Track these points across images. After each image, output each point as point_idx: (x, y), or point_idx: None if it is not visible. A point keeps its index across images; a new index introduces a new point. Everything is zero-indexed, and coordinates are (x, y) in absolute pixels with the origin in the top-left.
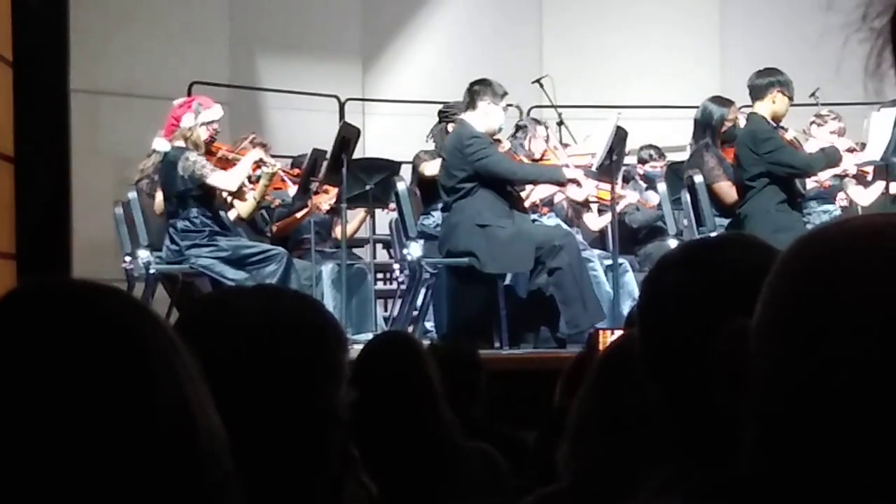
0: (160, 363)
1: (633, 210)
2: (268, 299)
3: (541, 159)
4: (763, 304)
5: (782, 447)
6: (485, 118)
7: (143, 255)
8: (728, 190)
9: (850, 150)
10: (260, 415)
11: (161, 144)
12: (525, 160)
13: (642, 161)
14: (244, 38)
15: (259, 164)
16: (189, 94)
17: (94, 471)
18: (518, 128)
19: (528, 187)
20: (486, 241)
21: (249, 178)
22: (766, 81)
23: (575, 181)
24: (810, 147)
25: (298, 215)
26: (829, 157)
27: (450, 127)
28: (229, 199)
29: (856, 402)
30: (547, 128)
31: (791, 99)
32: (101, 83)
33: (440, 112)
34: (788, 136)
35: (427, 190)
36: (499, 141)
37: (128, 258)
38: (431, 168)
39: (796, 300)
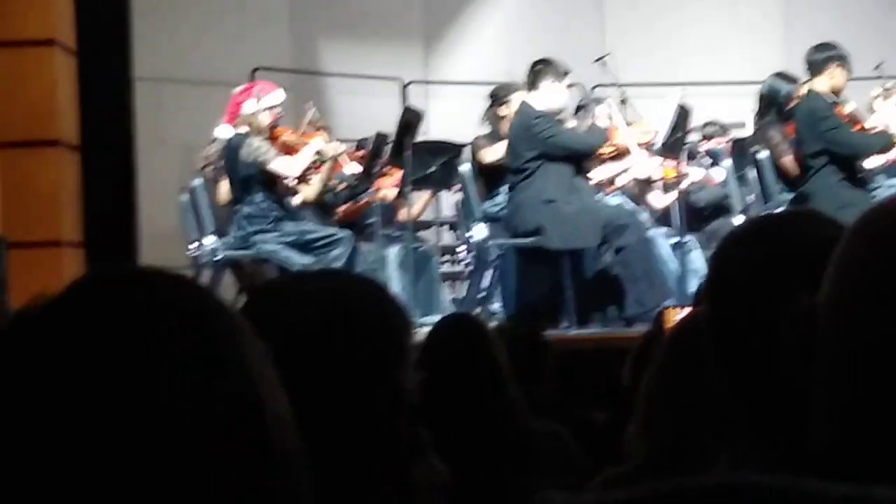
0: (227, 349)
1: (697, 188)
2: (332, 283)
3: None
4: (832, 276)
5: (854, 419)
6: (547, 97)
7: (210, 241)
8: (793, 165)
9: None
10: (327, 400)
11: (224, 131)
12: None
13: (706, 137)
14: (305, 22)
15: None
16: (252, 80)
17: (163, 458)
18: (580, 107)
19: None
20: (553, 217)
21: (313, 161)
22: (823, 56)
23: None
24: (874, 120)
25: (362, 202)
26: (887, 140)
27: (501, 110)
28: (294, 183)
29: None
30: (609, 106)
31: (849, 73)
32: (164, 71)
33: (491, 94)
34: (848, 109)
35: (489, 176)
36: (561, 122)
37: (194, 245)
38: (492, 154)
39: (865, 271)
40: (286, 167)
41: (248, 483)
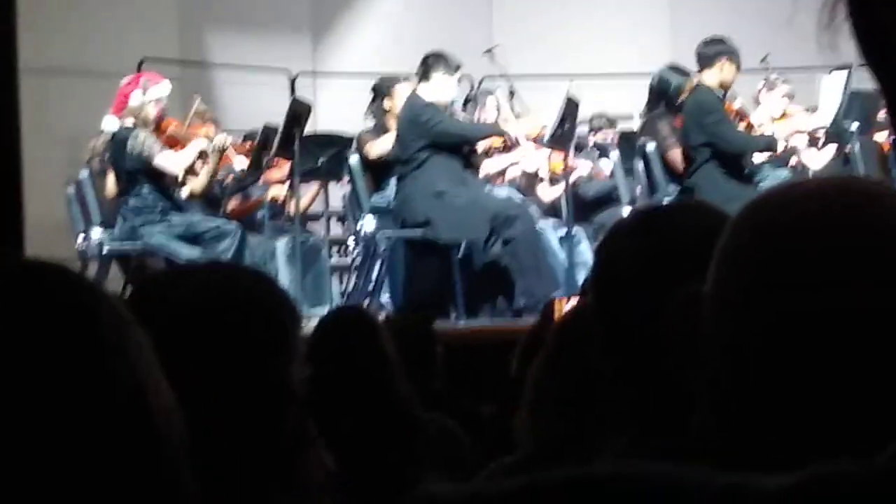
0: (111, 341)
1: (585, 181)
2: (219, 275)
3: None
4: (715, 267)
5: (734, 410)
6: (437, 90)
7: (96, 234)
8: (680, 159)
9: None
10: (214, 393)
11: (110, 123)
12: None
13: (594, 130)
14: (193, 13)
15: (208, 140)
16: (139, 71)
17: (45, 451)
18: (468, 99)
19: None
20: (441, 209)
21: (200, 153)
22: (713, 50)
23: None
24: (760, 113)
25: (252, 200)
26: (768, 143)
27: (385, 103)
28: (181, 175)
29: (806, 360)
30: (497, 99)
31: (738, 68)
32: (50, 62)
33: (374, 88)
34: (736, 104)
35: (376, 170)
36: (451, 114)
37: (81, 237)
38: (377, 148)
39: (746, 262)
40: (170, 163)
41: (132, 474)
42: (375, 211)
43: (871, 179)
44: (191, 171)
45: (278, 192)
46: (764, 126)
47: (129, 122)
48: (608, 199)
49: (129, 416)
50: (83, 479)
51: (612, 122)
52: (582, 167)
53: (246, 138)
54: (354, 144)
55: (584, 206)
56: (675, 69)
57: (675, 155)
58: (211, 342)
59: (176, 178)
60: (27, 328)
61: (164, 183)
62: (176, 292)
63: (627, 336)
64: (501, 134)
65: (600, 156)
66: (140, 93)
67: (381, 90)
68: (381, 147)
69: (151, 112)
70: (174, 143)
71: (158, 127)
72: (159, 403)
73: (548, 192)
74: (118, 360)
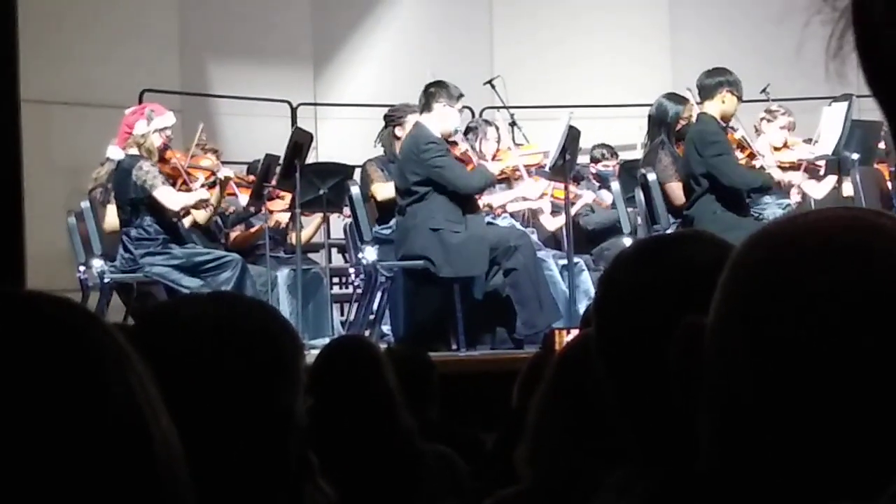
0: (112, 373)
1: (587, 211)
2: (221, 306)
3: (493, 160)
4: (718, 299)
5: (736, 442)
6: (440, 120)
7: (97, 264)
8: (677, 191)
9: (807, 141)
10: (216, 423)
11: (115, 153)
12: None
13: (595, 160)
14: (194, 44)
15: (213, 171)
16: (140, 102)
17: (44, 482)
18: (469, 129)
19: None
20: (441, 246)
21: (203, 185)
22: (715, 81)
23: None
24: (761, 143)
25: (254, 229)
26: (765, 180)
27: (397, 131)
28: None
29: (809, 395)
30: (498, 129)
31: (740, 98)
32: (52, 93)
33: (386, 116)
34: (737, 135)
35: (381, 208)
36: (455, 143)
37: (82, 268)
38: (384, 192)
39: (750, 295)
40: (168, 200)
41: None
42: (377, 241)
43: (874, 210)
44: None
45: (281, 217)
46: (765, 157)
47: (134, 151)
48: (610, 231)
49: (129, 448)
50: None
51: (613, 153)
52: (585, 197)
53: (249, 171)
54: (359, 172)
55: (585, 236)
56: (673, 97)
57: (674, 188)
58: (211, 373)
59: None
60: (26, 360)
61: (166, 214)
62: (178, 325)
63: (629, 366)
64: (494, 184)
65: (601, 186)
66: (144, 123)
67: (393, 118)
68: (387, 190)
69: (156, 142)
70: (176, 175)
71: (162, 157)
72: (159, 435)
73: (550, 222)
74: (118, 391)
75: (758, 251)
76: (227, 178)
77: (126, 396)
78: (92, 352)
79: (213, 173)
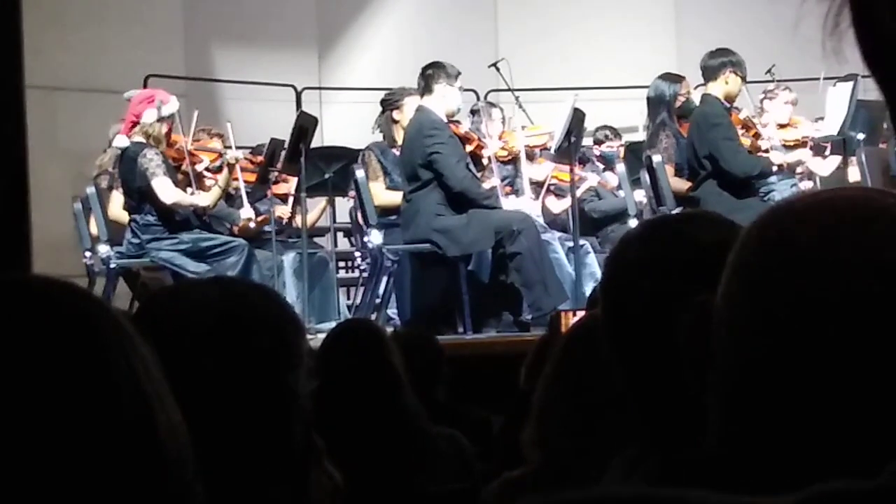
0: (117, 357)
1: (592, 197)
2: (223, 290)
3: (500, 139)
4: (727, 278)
5: (745, 421)
6: (442, 101)
7: (103, 249)
8: (672, 175)
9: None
10: (220, 407)
11: (120, 141)
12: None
13: (598, 142)
14: (199, 29)
15: (220, 154)
16: (145, 87)
17: (49, 466)
18: (473, 112)
19: (489, 175)
20: (445, 228)
21: (208, 168)
22: (718, 62)
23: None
24: (766, 121)
25: (260, 218)
26: (764, 166)
27: (395, 114)
28: (190, 190)
29: (818, 372)
30: (503, 110)
31: (744, 79)
32: (57, 79)
33: (383, 101)
34: (742, 115)
35: (381, 211)
36: (458, 122)
37: (88, 253)
38: (381, 197)
39: (760, 274)
40: (163, 191)
41: (137, 489)
42: (383, 225)
43: (882, 190)
44: (202, 186)
45: (283, 211)
46: (771, 136)
47: (140, 139)
48: (615, 217)
49: (134, 431)
50: (87, 495)
51: (616, 134)
52: (590, 179)
53: (254, 153)
54: (361, 157)
55: (591, 222)
56: (668, 76)
57: (667, 171)
58: (217, 357)
59: (184, 191)
60: (33, 344)
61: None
62: (182, 309)
63: (636, 346)
64: (480, 196)
65: (605, 168)
66: (154, 112)
67: (389, 102)
68: (385, 198)
69: (162, 130)
70: (181, 156)
71: (169, 143)
72: (164, 418)
73: (555, 205)
74: (123, 376)
75: (768, 230)
76: (236, 160)
77: (131, 381)
78: (95, 336)
79: (221, 155)
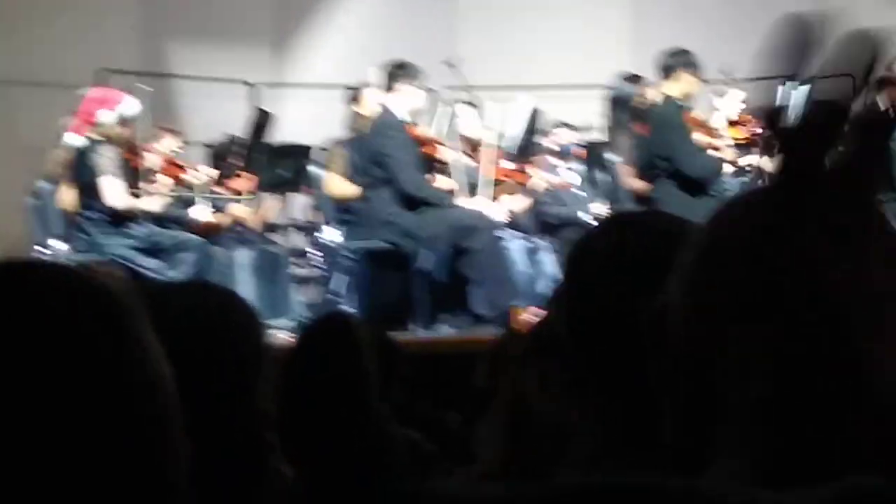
0: (130, 348)
1: (549, 200)
2: (184, 293)
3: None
4: (674, 278)
5: (691, 421)
6: (405, 100)
7: (56, 245)
8: (630, 176)
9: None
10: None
11: (73, 139)
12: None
13: (546, 134)
14: (152, 23)
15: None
16: (97, 82)
17: (72, 452)
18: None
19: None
20: (401, 223)
21: (161, 166)
22: (674, 62)
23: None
24: (717, 119)
25: (216, 220)
26: (715, 167)
27: (356, 107)
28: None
29: (759, 372)
30: (476, 106)
31: (700, 78)
32: (7, 73)
33: (351, 97)
34: (696, 114)
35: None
36: (414, 123)
37: (41, 249)
38: (342, 191)
39: (698, 277)
40: (109, 190)
41: (147, 478)
42: (342, 222)
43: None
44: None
45: (241, 211)
46: (724, 136)
47: (96, 137)
48: (573, 223)
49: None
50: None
51: (572, 128)
52: (549, 179)
53: (207, 149)
54: (319, 154)
55: (550, 227)
56: (628, 77)
57: (626, 171)
58: (177, 358)
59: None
60: (56, 329)
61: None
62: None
63: (595, 343)
64: (430, 198)
65: (562, 160)
66: (111, 114)
67: (350, 97)
68: (345, 190)
69: (123, 132)
70: (134, 159)
71: (124, 144)
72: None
73: (510, 203)
74: (137, 367)
75: (714, 231)
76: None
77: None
78: (111, 327)
79: (173, 162)
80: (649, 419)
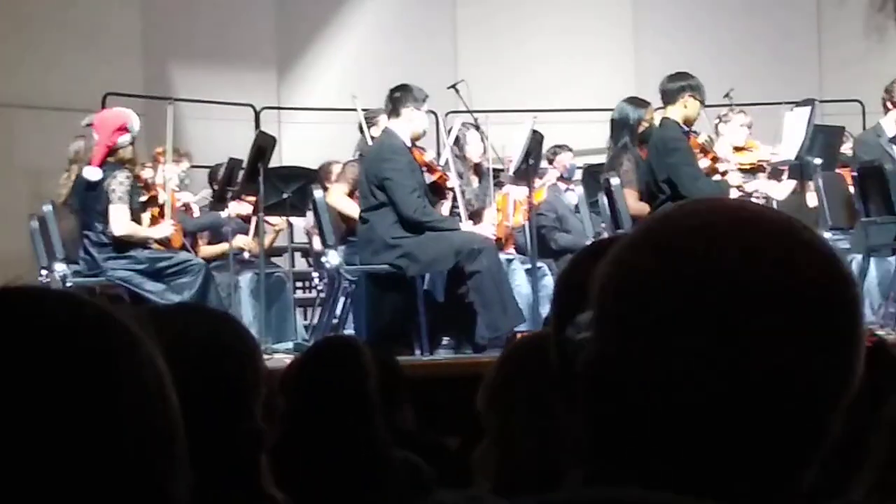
0: (129, 375)
1: (554, 223)
2: (180, 317)
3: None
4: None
5: (610, 438)
6: (409, 124)
7: (60, 268)
8: (630, 198)
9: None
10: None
11: (93, 173)
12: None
13: (551, 161)
14: (157, 48)
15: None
16: (103, 106)
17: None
18: (456, 140)
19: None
20: (404, 247)
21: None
22: (677, 86)
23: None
24: (722, 144)
25: (219, 248)
26: (723, 190)
27: (373, 131)
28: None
29: (669, 389)
30: (480, 130)
31: (702, 103)
32: (14, 97)
33: (360, 124)
34: (700, 139)
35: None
36: (423, 149)
37: (44, 272)
38: (343, 208)
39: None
40: (116, 218)
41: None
42: (344, 243)
43: (772, 208)
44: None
45: (244, 241)
46: (729, 161)
47: (112, 159)
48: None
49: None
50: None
51: (570, 151)
52: (550, 200)
53: (211, 173)
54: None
55: (553, 251)
56: (634, 101)
57: (629, 195)
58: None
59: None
60: (50, 356)
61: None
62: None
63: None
64: (428, 224)
65: (566, 190)
66: (128, 137)
67: (370, 122)
68: (347, 208)
69: (132, 151)
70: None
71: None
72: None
73: (512, 226)
74: (135, 393)
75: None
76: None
77: (143, 400)
78: (111, 354)
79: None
80: (634, 443)
